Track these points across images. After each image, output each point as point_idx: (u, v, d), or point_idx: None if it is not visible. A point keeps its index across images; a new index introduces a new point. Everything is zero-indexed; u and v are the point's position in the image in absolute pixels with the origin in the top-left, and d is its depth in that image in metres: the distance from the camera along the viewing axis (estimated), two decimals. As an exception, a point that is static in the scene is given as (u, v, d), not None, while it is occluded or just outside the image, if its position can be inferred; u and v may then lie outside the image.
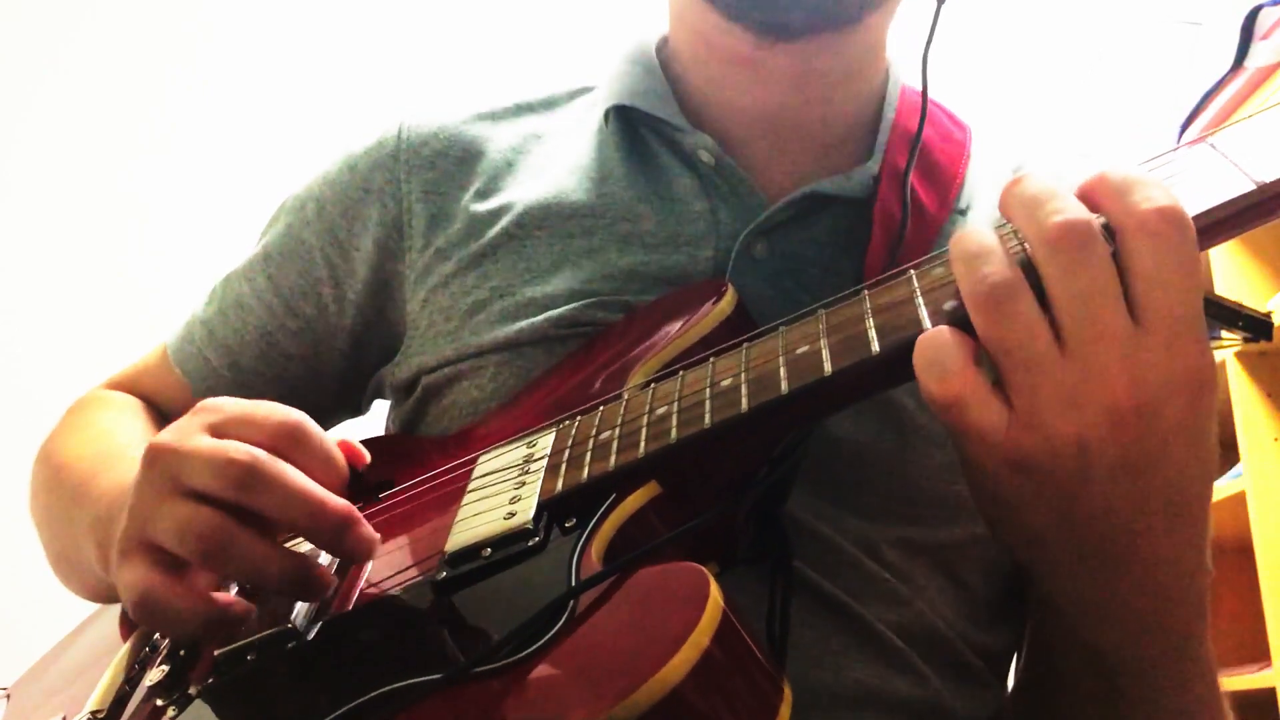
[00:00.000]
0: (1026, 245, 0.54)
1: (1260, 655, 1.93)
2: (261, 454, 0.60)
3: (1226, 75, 1.78)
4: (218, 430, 0.63)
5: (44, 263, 2.12)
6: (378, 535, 0.62)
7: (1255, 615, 1.93)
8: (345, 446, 0.66)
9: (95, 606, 0.88)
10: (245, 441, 0.61)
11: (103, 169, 2.16)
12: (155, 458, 0.62)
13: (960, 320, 0.55)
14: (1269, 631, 1.89)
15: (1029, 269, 0.53)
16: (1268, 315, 1.55)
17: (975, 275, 0.53)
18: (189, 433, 0.63)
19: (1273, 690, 1.87)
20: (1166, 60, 2.21)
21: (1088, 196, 0.54)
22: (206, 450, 0.60)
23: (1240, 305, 1.63)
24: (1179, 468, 0.54)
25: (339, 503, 0.60)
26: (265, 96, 2.22)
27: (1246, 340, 1.80)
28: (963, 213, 0.85)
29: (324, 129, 1.95)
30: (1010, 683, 0.82)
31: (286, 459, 0.61)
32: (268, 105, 2.22)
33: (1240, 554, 1.97)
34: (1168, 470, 0.54)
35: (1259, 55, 1.68)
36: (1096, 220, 0.53)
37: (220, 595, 0.62)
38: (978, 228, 0.56)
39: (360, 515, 0.61)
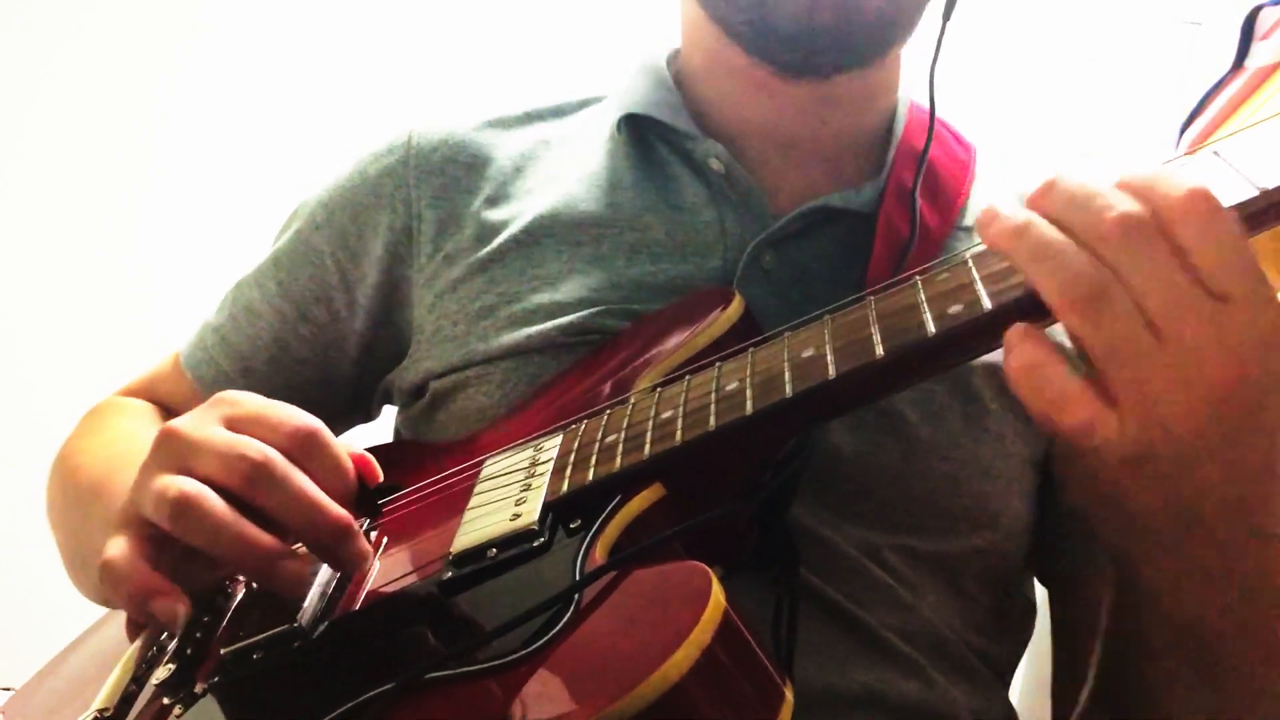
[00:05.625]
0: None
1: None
2: (275, 454, 0.61)
3: (1226, 75, 1.77)
4: (234, 424, 0.63)
5: (49, 270, 2.13)
6: (371, 550, 0.62)
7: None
8: (360, 460, 0.66)
9: (95, 612, 0.88)
10: (260, 441, 0.62)
11: (108, 176, 2.16)
12: (166, 440, 0.63)
13: (974, 325, 0.55)
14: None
15: None
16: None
17: (1065, 276, 0.51)
18: (205, 422, 0.63)
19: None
20: (1166, 60, 2.20)
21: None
22: (220, 442, 0.61)
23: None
24: (1276, 424, 0.54)
25: (338, 513, 0.61)
26: (270, 104, 2.23)
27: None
28: (967, 230, 0.86)
29: (330, 136, 1.95)
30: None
31: (297, 465, 0.62)
32: (273, 112, 2.22)
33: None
34: (1272, 428, 0.54)
35: (1259, 55, 1.67)
36: None
37: (160, 579, 0.61)
38: (1007, 216, 0.54)
39: (357, 528, 0.62)
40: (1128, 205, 0.52)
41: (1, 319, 2.10)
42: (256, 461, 0.60)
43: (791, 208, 0.83)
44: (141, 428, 0.93)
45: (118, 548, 0.61)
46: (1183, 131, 1.87)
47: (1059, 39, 2.30)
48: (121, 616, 0.82)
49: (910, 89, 0.92)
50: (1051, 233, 0.52)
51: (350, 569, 0.62)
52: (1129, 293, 0.51)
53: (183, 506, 0.59)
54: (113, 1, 2.23)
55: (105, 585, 0.62)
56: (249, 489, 0.60)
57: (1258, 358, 0.51)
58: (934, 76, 0.85)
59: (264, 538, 0.60)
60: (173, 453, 0.62)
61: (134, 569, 0.61)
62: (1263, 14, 1.69)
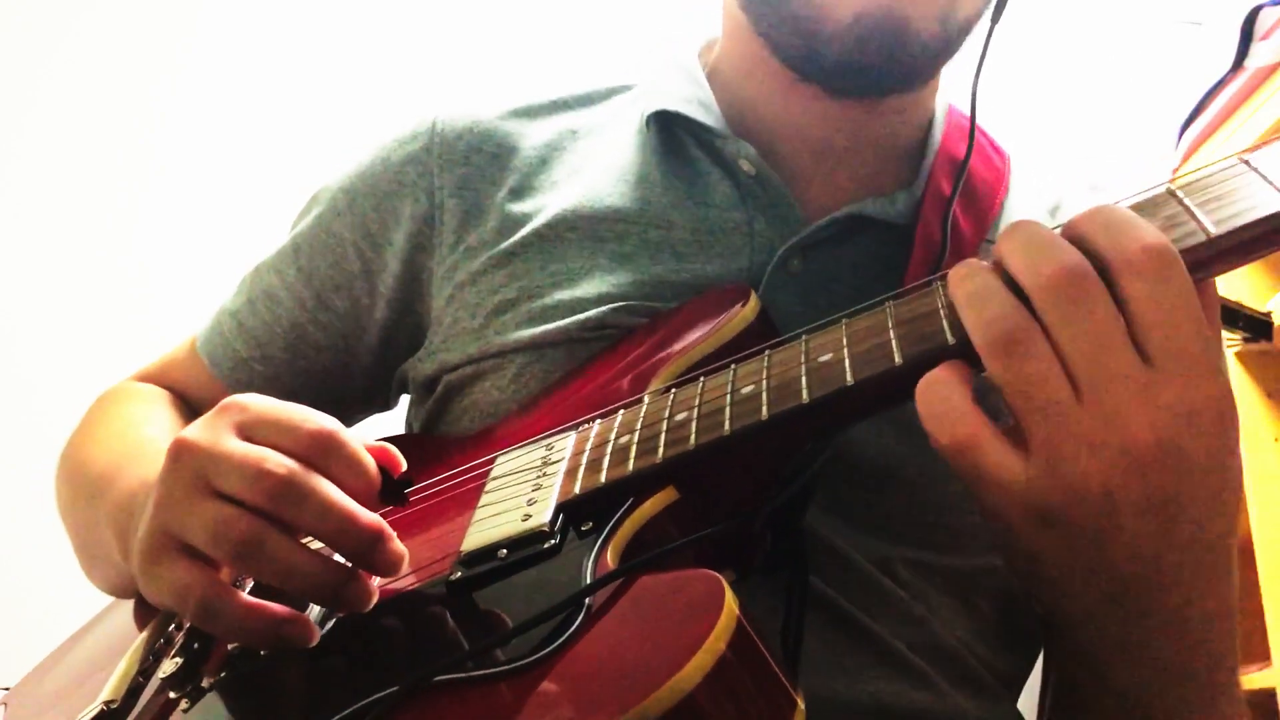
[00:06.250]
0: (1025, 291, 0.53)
1: (1260, 655, 1.92)
2: (297, 468, 0.58)
3: (1226, 75, 1.77)
4: (247, 431, 0.61)
5: (49, 269, 2.12)
6: (406, 551, 0.61)
7: (1255, 615, 1.92)
8: (379, 452, 0.64)
9: (96, 610, 0.88)
10: (277, 447, 0.60)
11: (108, 176, 2.16)
12: (182, 455, 0.60)
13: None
14: (1269, 631, 1.88)
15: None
16: (1268, 315, 1.56)
17: (985, 317, 0.52)
18: (218, 432, 0.61)
19: (1273, 690, 1.86)
20: (1166, 60, 2.19)
21: (1077, 233, 0.54)
22: (239, 456, 0.59)
23: (1240, 305, 1.64)
24: (1203, 505, 0.52)
25: (370, 518, 0.59)
26: (270, 103, 2.22)
27: (1246, 340, 1.77)
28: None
29: (330, 135, 1.96)
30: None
31: (318, 468, 0.60)
32: (273, 112, 2.22)
33: (1240, 554, 1.95)
34: (1193, 508, 0.52)
35: (1259, 55, 1.67)
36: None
37: (276, 606, 0.60)
38: (976, 261, 0.55)
39: (390, 531, 0.60)
40: (1069, 258, 0.52)
41: (1, 319, 2.09)
42: (280, 477, 0.58)
43: (821, 213, 0.82)
44: (151, 416, 0.92)
45: (193, 582, 0.59)
46: (1183, 131, 1.87)
47: (1059, 39, 2.29)
48: (125, 607, 0.82)
49: (949, 94, 0.91)
50: (983, 274, 0.54)
51: (389, 573, 0.60)
52: (1054, 345, 0.51)
53: (247, 548, 0.57)
54: (113, 1, 2.23)
55: (211, 624, 0.59)
56: (275, 507, 0.58)
57: (1180, 434, 0.50)
58: (977, 86, 0.84)
59: (331, 568, 0.59)
60: (191, 469, 0.60)
61: (245, 607, 0.59)
62: (1263, 14, 1.69)
